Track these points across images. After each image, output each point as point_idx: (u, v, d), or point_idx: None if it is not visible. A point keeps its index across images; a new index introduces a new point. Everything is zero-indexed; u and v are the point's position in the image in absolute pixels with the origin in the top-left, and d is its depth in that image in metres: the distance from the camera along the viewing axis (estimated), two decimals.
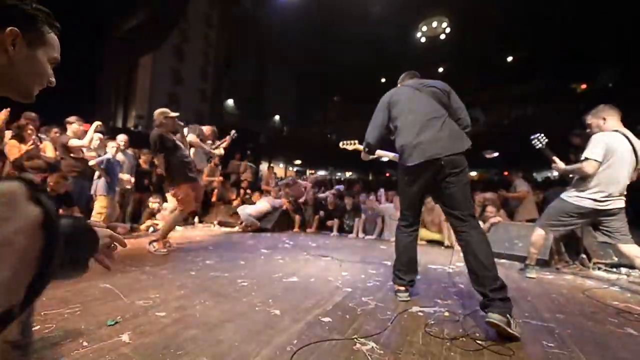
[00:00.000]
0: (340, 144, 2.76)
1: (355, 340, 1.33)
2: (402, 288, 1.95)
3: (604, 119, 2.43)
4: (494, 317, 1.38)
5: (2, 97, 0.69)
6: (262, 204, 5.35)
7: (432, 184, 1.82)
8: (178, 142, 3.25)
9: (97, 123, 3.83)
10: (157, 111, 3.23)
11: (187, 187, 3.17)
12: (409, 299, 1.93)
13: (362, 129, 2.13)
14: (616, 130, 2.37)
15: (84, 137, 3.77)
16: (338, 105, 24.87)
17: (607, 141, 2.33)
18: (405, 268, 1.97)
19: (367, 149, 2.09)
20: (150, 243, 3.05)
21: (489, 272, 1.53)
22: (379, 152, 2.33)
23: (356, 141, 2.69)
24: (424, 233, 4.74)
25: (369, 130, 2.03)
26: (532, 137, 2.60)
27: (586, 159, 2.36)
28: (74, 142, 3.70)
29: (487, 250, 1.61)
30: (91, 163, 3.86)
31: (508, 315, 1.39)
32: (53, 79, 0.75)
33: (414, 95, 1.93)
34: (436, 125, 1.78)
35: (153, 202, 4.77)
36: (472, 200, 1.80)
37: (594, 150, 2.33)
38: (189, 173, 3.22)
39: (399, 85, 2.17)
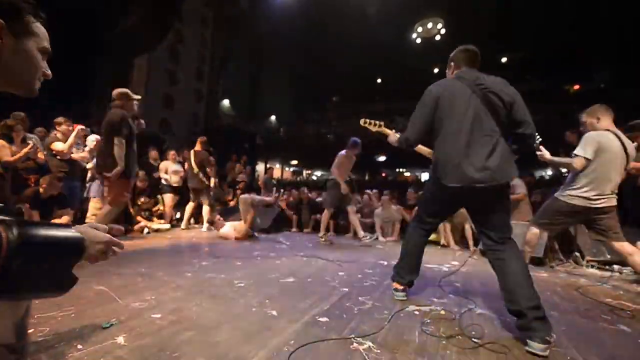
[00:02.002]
0: (362, 122, 2.46)
1: (352, 339, 1.33)
2: (401, 287, 1.94)
3: (599, 118, 2.48)
4: (536, 348, 1.27)
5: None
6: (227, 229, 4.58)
7: (467, 204, 1.70)
8: (134, 131, 3.01)
9: (79, 127, 3.77)
10: (118, 91, 2.99)
11: (127, 183, 2.96)
12: (405, 298, 1.94)
13: (359, 128, 2.09)
14: (608, 130, 2.42)
15: (75, 138, 3.74)
16: (337, 105, 24.90)
17: (599, 140, 2.37)
18: (408, 268, 1.94)
19: (405, 144, 1.83)
20: None
21: (525, 289, 1.41)
22: (418, 147, 2.08)
23: (382, 123, 2.40)
24: None
25: (410, 124, 1.77)
26: None
27: (576, 155, 2.40)
28: (56, 146, 3.65)
29: (524, 269, 1.48)
30: (89, 166, 3.82)
31: (548, 338, 1.28)
32: (48, 71, 0.74)
33: (469, 99, 1.61)
34: (486, 146, 1.53)
35: (144, 203, 4.74)
36: (509, 223, 1.61)
37: (585, 148, 2.38)
38: (133, 168, 3.00)
39: (451, 71, 1.84)
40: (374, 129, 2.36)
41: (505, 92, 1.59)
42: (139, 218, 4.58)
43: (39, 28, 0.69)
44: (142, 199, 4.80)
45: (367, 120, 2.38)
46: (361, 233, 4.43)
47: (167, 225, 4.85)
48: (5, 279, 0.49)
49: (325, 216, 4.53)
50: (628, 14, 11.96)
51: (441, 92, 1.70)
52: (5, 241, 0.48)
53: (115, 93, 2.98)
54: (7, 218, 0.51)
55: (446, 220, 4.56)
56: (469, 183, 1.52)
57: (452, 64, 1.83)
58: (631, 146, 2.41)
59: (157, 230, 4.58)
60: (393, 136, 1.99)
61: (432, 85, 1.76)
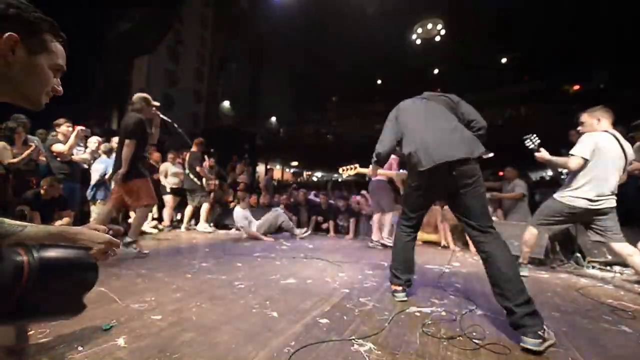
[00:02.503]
0: (340, 170, 2.81)
1: (353, 341, 1.33)
2: (399, 288, 1.95)
3: (599, 119, 2.48)
4: (530, 343, 1.29)
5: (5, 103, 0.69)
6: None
7: (444, 193, 1.77)
8: (147, 136, 3.03)
9: (79, 128, 3.76)
10: (138, 95, 3.03)
11: (147, 181, 2.97)
12: (406, 299, 1.94)
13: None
14: (606, 131, 2.42)
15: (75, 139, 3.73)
16: (337, 105, 24.91)
17: (596, 140, 2.38)
18: (402, 267, 1.97)
19: (376, 160, 2.03)
20: (126, 245, 2.85)
21: (513, 284, 1.42)
22: (381, 172, 2.45)
23: (357, 165, 2.78)
24: (419, 234, 4.76)
25: (380, 141, 1.98)
26: (525, 137, 2.62)
27: (572, 155, 2.40)
28: (56, 148, 3.64)
29: (511, 261, 1.50)
30: (95, 176, 3.81)
31: (540, 332, 1.30)
32: (60, 88, 0.75)
33: (422, 104, 1.90)
34: (446, 128, 1.71)
35: None
36: (489, 211, 1.71)
37: (582, 148, 2.39)
38: (141, 169, 3.01)
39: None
40: (352, 172, 2.71)
41: (452, 97, 1.89)
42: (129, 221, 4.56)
43: (56, 47, 0.71)
44: None
45: (344, 167, 2.79)
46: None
47: (155, 231, 4.68)
48: (28, 303, 0.51)
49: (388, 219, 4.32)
50: (627, 14, 11.98)
51: (398, 107, 2.01)
52: (27, 267, 0.50)
53: (135, 97, 3.01)
54: (30, 245, 0.53)
55: (445, 220, 4.56)
56: (437, 162, 1.63)
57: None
58: (629, 147, 2.42)
59: (144, 233, 4.51)
60: (369, 169, 2.33)
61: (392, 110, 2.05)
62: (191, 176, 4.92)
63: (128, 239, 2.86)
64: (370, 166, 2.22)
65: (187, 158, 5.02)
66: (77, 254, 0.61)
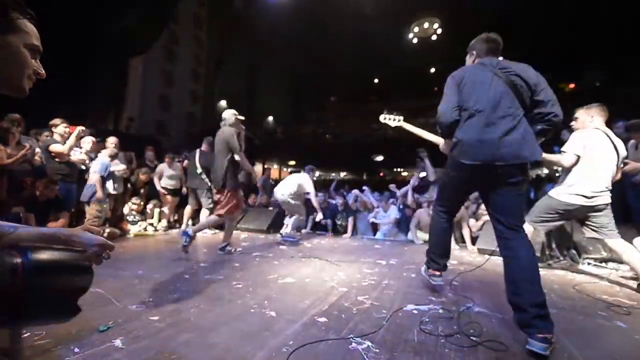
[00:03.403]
0: (381, 118, 2.49)
1: (351, 339, 1.33)
2: (437, 272, 2.00)
3: (593, 116, 2.51)
4: (537, 347, 1.23)
5: None
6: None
7: (483, 186, 1.67)
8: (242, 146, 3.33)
9: (79, 128, 3.73)
10: (230, 111, 3.31)
11: (235, 192, 3.20)
12: (442, 283, 2.01)
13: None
14: (597, 129, 2.45)
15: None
16: (335, 105, 24.93)
17: (587, 137, 2.41)
18: (440, 251, 2.00)
19: (440, 133, 1.87)
20: (221, 249, 3.20)
21: (532, 285, 1.37)
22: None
23: (401, 117, 2.46)
24: (420, 234, 4.77)
25: (441, 111, 1.74)
26: None
27: (564, 152, 2.43)
28: (55, 148, 3.61)
29: (534, 263, 1.45)
30: (94, 177, 3.78)
31: (549, 337, 1.25)
32: (42, 70, 0.72)
33: (490, 81, 1.62)
34: (507, 124, 1.51)
35: (134, 204, 4.71)
36: (522, 213, 1.64)
37: (573, 145, 2.42)
38: (237, 179, 3.27)
39: (470, 58, 1.86)
40: (393, 123, 2.43)
41: (528, 75, 1.59)
42: (124, 224, 4.54)
43: (26, 25, 0.68)
44: (133, 200, 4.75)
45: (387, 115, 2.44)
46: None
47: (149, 232, 4.62)
48: (22, 304, 0.50)
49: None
50: (623, 14, 12.08)
51: (463, 76, 1.71)
52: (21, 268, 0.49)
53: (228, 113, 3.30)
54: (24, 247, 0.52)
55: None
56: (488, 160, 1.51)
57: (474, 52, 1.84)
58: (621, 144, 2.44)
59: (135, 235, 4.47)
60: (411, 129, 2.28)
61: (454, 72, 1.78)
62: (203, 176, 4.85)
63: (224, 244, 3.22)
64: (442, 141, 2.06)
65: (196, 156, 4.94)
66: (72, 257, 0.61)
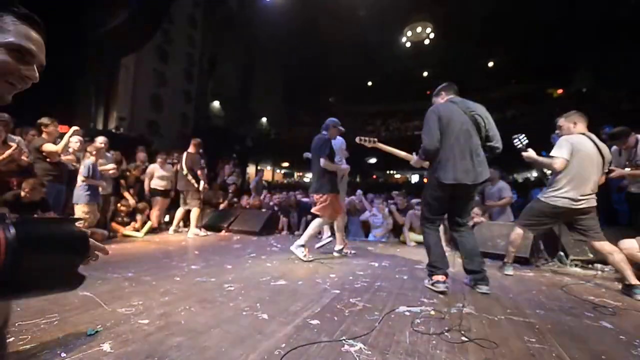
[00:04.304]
0: (357, 139, 2.82)
1: (343, 341, 1.33)
2: (442, 278, 2.16)
3: (575, 123, 2.59)
4: (485, 289, 2.14)
5: None
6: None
7: (454, 197, 2.23)
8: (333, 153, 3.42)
9: (74, 128, 3.67)
10: (333, 119, 3.50)
11: (333, 196, 3.26)
12: (446, 290, 2.12)
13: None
14: (583, 134, 2.52)
15: (60, 139, 3.63)
16: (329, 107, 24.95)
17: (573, 142, 2.48)
18: (441, 260, 2.23)
19: (424, 156, 2.36)
20: (296, 248, 3.22)
21: (479, 257, 2.25)
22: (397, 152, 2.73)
23: (375, 139, 2.80)
24: (412, 236, 4.81)
25: (427, 139, 2.21)
26: (514, 137, 2.69)
27: (554, 157, 2.49)
28: (47, 147, 3.53)
29: (476, 243, 2.32)
30: (79, 179, 3.70)
31: (487, 280, 2.17)
32: (29, 73, 0.65)
33: (461, 119, 2.18)
34: (474, 156, 2.14)
35: (122, 205, 4.64)
36: (470, 211, 2.40)
37: (561, 149, 2.49)
38: (333, 184, 3.32)
39: (441, 98, 2.38)
40: (369, 145, 2.76)
41: (484, 114, 2.22)
42: (113, 224, 4.47)
43: (6, 22, 0.62)
44: (122, 202, 4.67)
45: (362, 138, 2.79)
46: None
47: (140, 234, 4.52)
48: (11, 279, 0.49)
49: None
50: (609, 18, 12.44)
51: (440, 111, 2.23)
52: (4, 241, 0.47)
53: (327, 121, 3.49)
54: (5, 219, 0.50)
55: None
56: (461, 181, 2.12)
57: (443, 93, 2.40)
58: (606, 148, 2.51)
59: (128, 236, 4.43)
60: (406, 156, 2.67)
61: (432, 107, 2.30)
62: (189, 177, 4.80)
63: (301, 242, 3.24)
64: (414, 156, 2.56)
65: (183, 158, 4.89)
66: (61, 225, 0.59)
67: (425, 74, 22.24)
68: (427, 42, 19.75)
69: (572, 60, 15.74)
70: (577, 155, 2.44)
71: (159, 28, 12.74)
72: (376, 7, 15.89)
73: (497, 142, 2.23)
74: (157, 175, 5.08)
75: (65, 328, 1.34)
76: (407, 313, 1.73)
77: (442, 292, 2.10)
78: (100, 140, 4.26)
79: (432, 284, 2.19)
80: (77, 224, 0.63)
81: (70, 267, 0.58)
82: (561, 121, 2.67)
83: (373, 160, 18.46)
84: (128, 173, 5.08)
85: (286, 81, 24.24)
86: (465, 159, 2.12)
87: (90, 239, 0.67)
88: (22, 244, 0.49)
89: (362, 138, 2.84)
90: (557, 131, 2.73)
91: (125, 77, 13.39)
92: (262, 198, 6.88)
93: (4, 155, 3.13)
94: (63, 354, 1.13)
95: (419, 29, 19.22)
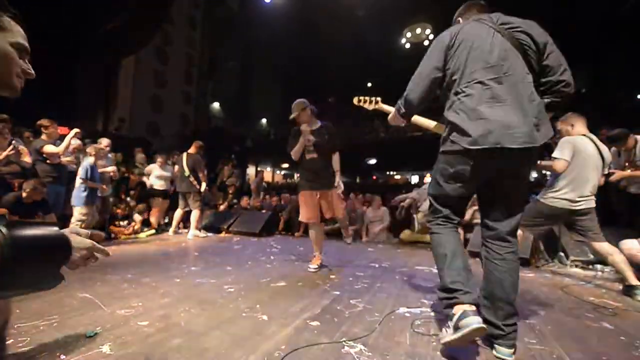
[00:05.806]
0: (355, 100, 2.20)
1: (343, 343, 1.33)
2: (470, 307, 1.24)
3: (572, 125, 2.61)
4: (503, 353, 1.21)
5: None
6: None
7: (486, 177, 1.29)
8: None
9: (75, 130, 3.67)
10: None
11: (302, 195, 2.89)
12: (483, 324, 1.29)
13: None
14: (583, 135, 2.53)
15: (60, 140, 3.63)
16: (329, 107, 24.98)
17: (574, 143, 2.49)
18: (461, 275, 1.29)
19: (405, 108, 1.48)
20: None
21: (509, 305, 1.23)
22: (416, 119, 1.73)
23: (379, 99, 2.14)
24: (409, 234, 4.81)
25: (412, 83, 1.42)
26: None
27: (555, 158, 2.49)
28: (48, 149, 3.53)
29: (516, 279, 1.27)
30: (79, 181, 3.70)
31: (513, 341, 1.24)
32: (31, 70, 0.71)
33: (491, 39, 1.28)
34: (520, 96, 1.19)
35: (118, 209, 4.64)
36: (519, 215, 1.36)
37: (562, 151, 2.49)
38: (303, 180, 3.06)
39: (460, 19, 1.53)
40: (370, 107, 2.13)
41: (537, 31, 1.30)
42: (112, 228, 4.46)
43: (9, 22, 0.67)
44: (119, 206, 4.67)
45: (361, 97, 2.14)
46: None
47: (143, 235, 4.54)
48: (2, 278, 0.51)
49: None
50: (608, 18, 12.47)
51: (453, 34, 1.35)
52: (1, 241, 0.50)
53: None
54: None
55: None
56: (499, 144, 1.16)
57: (460, 19, 1.54)
58: (606, 150, 2.52)
59: (124, 237, 4.40)
60: (391, 110, 1.68)
61: (443, 32, 1.42)
62: (191, 179, 4.78)
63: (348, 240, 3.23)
64: (432, 123, 1.75)
65: (184, 159, 4.88)
66: (47, 230, 0.62)
67: None
68: (426, 43, 19.78)
69: (571, 60, 15.78)
70: (578, 156, 2.45)
71: (158, 29, 12.75)
72: (376, 8, 15.91)
73: (564, 75, 1.28)
74: (155, 175, 5.07)
75: (64, 330, 1.34)
76: (408, 314, 1.73)
77: (477, 331, 1.15)
78: (104, 143, 4.27)
79: (458, 321, 1.18)
80: (72, 225, 0.65)
81: (52, 269, 0.61)
82: (559, 124, 2.68)
83: (373, 161, 18.46)
84: (130, 175, 5.08)
85: (286, 82, 24.27)
86: (505, 105, 1.19)
87: (91, 241, 0.68)
88: (12, 245, 0.52)
89: (362, 98, 2.17)
90: (556, 135, 2.73)
91: (125, 78, 13.40)
92: (261, 199, 6.89)
93: (1, 157, 3.13)
94: (62, 356, 1.12)
95: (418, 30, 19.25)
